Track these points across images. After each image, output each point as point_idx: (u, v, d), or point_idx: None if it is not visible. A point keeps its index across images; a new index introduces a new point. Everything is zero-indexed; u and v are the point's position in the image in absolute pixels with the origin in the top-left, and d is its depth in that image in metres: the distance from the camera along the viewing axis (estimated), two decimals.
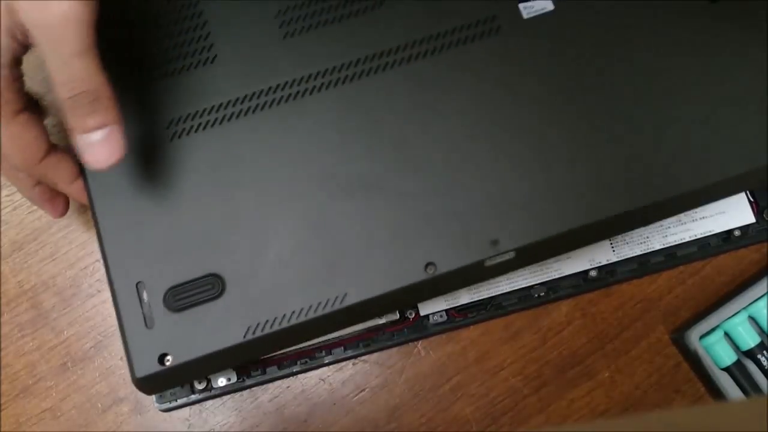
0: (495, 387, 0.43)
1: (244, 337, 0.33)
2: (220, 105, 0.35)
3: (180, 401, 0.42)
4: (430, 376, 0.43)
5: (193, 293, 0.33)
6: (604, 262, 0.43)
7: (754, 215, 0.43)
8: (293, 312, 0.33)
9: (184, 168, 0.35)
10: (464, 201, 0.34)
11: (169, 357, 0.33)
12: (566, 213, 0.33)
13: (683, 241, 0.43)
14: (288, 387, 0.43)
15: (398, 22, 0.36)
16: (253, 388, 0.42)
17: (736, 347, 0.41)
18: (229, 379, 0.42)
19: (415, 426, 0.42)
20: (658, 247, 0.43)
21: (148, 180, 0.35)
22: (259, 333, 0.33)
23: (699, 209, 0.42)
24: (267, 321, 0.33)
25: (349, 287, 0.33)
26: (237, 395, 0.42)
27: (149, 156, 0.35)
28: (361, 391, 0.42)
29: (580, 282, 0.43)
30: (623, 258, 0.43)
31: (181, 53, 0.36)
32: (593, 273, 0.42)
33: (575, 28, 0.36)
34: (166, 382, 0.35)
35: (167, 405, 0.42)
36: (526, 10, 0.36)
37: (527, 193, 0.34)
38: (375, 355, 0.43)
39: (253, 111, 0.35)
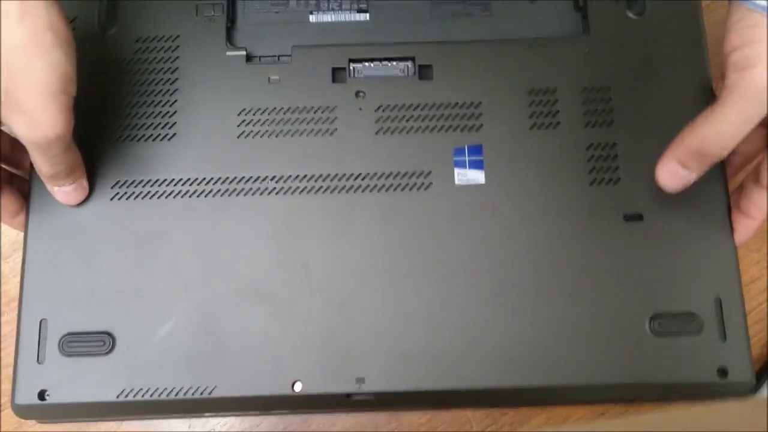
0: None
1: (117, 397, 0.37)
2: (165, 180, 0.39)
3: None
4: None
5: (85, 344, 0.37)
6: None
7: None
8: (165, 389, 0.37)
9: (116, 229, 0.38)
10: (347, 335, 0.37)
11: (48, 394, 0.37)
12: (433, 374, 0.37)
13: None
14: None
15: (342, 153, 0.38)
16: None
17: None
18: None
19: (415, 426, 0.42)
20: None
21: (81, 231, 0.38)
22: (131, 398, 0.37)
23: None
24: (141, 389, 0.37)
25: (220, 382, 0.37)
26: None
27: (89, 209, 0.39)
28: None
29: None
30: None
31: (146, 123, 0.39)
32: None
33: (500, 205, 0.38)
34: (42, 414, 0.38)
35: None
36: (459, 177, 0.38)
37: (404, 345, 0.37)
38: None
39: (191, 196, 0.39)
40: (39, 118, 0.33)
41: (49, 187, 0.38)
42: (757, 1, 0.31)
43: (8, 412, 0.41)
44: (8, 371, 0.42)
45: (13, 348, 0.42)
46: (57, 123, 0.33)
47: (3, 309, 0.44)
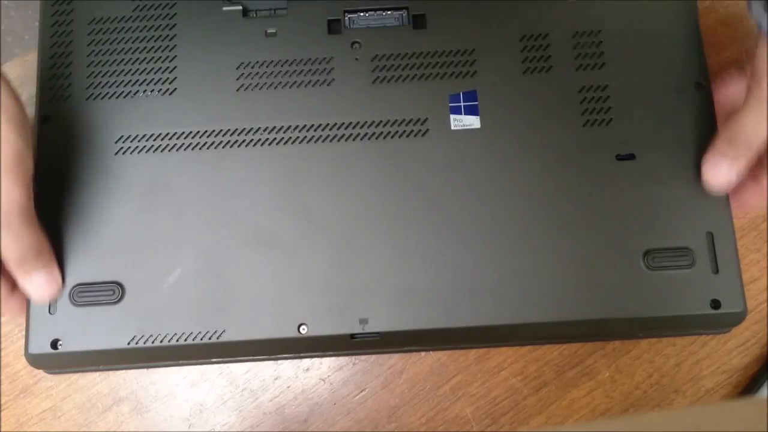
0: (495, 387, 0.43)
1: (128, 343, 0.38)
2: (167, 134, 0.40)
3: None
4: (430, 376, 0.43)
5: (95, 294, 0.38)
6: None
7: None
8: (175, 334, 0.38)
9: (121, 182, 0.39)
10: (350, 278, 0.38)
11: (61, 343, 0.38)
12: (435, 313, 0.37)
13: None
14: (288, 387, 0.43)
15: (340, 103, 0.39)
16: (254, 389, 0.43)
17: None
18: None
19: (415, 426, 0.42)
20: None
21: (87, 184, 0.39)
22: (141, 344, 0.38)
23: None
24: (151, 335, 0.38)
25: (228, 326, 0.38)
26: (237, 395, 0.42)
27: (93, 164, 0.40)
28: (361, 391, 0.43)
29: None
30: None
31: (147, 78, 0.40)
32: None
33: (495, 149, 0.39)
34: (54, 363, 0.39)
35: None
36: (455, 122, 0.39)
37: (406, 285, 0.38)
38: (375, 356, 0.44)
39: (193, 148, 0.40)
40: None
41: (20, 281, 0.37)
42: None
43: (8, 412, 0.42)
44: (8, 371, 0.42)
45: (13, 348, 0.43)
46: (13, 193, 0.34)
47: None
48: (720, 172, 0.37)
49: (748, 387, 0.43)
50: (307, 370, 0.43)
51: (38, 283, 0.37)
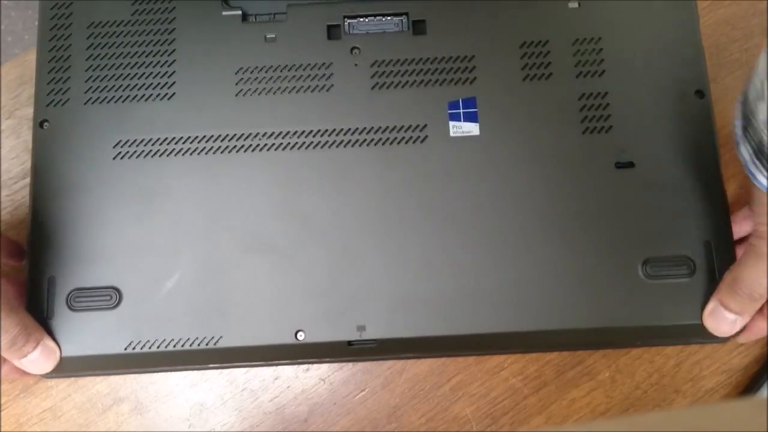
0: (495, 387, 0.43)
1: (125, 349, 0.38)
2: (165, 139, 0.40)
3: None
4: (430, 376, 0.44)
5: (93, 299, 0.39)
6: None
7: None
8: (172, 340, 0.38)
9: (119, 187, 0.40)
10: (348, 284, 0.38)
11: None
12: (433, 320, 0.38)
13: None
14: (288, 387, 0.43)
15: (339, 109, 0.39)
16: (254, 389, 0.43)
17: None
18: None
19: (415, 426, 0.43)
20: None
21: (85, 189, 0.40)
22: (138, 350, 0.38)
23: None
24: (148, 341, 0.38)
25: (226, 332, 0.38)
26: (237, 395, 0.42)
27: (91, 169, 0.40)
28: (361, 391, 0.43)
29: None
30: None
31: (146, 83, 0.40)
32: None
33: (494, 156, 0.39)
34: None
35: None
36: (454, 129, 0.39)
37: (404, 292, 0.38)
38: None
39: (191, 153, 0.40)
40: None
41: (18, 363, 0.38)
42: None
43: (9, 412, 0.42)
44: None
45: None
46: None
47: None
48: (724, 324, 0.37)
49: (748, 387, 0.43)
50: (307, 370, 0.43)
51: (35, 359, 0.38)
